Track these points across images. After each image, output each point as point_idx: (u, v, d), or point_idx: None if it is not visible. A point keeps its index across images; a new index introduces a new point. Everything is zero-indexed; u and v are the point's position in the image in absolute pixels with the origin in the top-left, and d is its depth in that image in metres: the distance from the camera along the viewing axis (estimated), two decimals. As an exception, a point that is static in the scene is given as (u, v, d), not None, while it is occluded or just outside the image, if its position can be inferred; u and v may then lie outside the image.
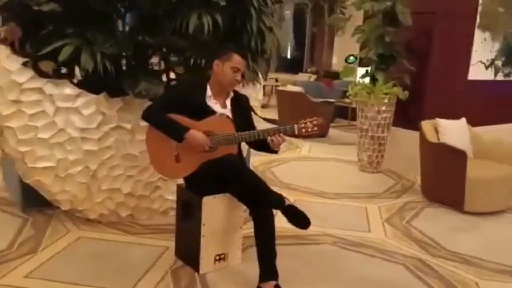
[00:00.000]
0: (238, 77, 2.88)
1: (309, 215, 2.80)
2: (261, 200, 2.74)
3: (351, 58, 11.67)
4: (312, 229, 3.36)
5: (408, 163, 5.48)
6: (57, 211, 3.76)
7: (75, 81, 3.46)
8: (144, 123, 3.51)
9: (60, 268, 2.95)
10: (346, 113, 8.60)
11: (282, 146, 2.88)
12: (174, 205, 3.84)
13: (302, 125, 2.74)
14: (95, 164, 3.42)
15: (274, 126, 2.83)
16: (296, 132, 2.75)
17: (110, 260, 3.10)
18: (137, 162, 3.57)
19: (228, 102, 2.97)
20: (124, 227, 3.63)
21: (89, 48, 3.00)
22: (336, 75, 11.65)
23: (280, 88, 7.43)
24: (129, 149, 3.51)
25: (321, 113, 7.40)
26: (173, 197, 3.83)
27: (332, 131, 7.97)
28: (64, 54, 2.90)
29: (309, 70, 11.94)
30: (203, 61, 3.83)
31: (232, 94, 2.99)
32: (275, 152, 2.86)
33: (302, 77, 11.42)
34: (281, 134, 2.71)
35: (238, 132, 2.84)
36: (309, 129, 2.75)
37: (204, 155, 2.82)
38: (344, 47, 12.15)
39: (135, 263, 3.06)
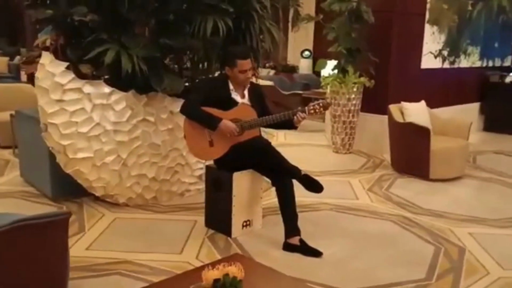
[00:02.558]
0: (249, 75, 3.46)
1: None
2: (284, 172, 3.36)
3: (306, 52, 12.49)
4: (310, 199, 4.10)
5: (375, 143, 6.27)
6: (84, 199, 4.19)
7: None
8: (165, 115, 4.07)
9: (112, 241, 3.44)
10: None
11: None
12: (191, 187, 4.43)
13: (311, 107, 3.40)
14: (126, 153, 3.90)
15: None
16: (307, 113, 3.40)
17: (151, 233, 3.62)
18: (160, 150, 4.09)
19: (246, 92, 3.56)
20: (150, 207, 4.13)
21: (126, 52, 3.49)
22: (292, 69, 12.40)
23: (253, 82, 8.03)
24: (153, 138, 4.02)
25: (290, 104, 8.14)
26: (189, 180, 4.40)
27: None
28: (108, 58, 3.37)
29: (267, 65, 12.58)
30: (207, 61, 4.41)
31: (248, 85, 3.58)
32: (296, 128, 3.49)
33: (261, 71, 12.06)
34: (303, 113, 3.34)
35: (259, 117, 3.45)
36: (317, 110, 3.41)
37: (233, 139, 3.39)
38: (298, 42, 12.93)
39: (174, 234, 3.59)
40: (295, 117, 3.36)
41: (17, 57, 13.18)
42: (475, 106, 8.13)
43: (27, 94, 6.56)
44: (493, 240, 3.65)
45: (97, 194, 4.01)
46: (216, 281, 1.55)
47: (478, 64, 7.99)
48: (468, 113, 7.51)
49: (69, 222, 3.66)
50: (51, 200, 4.18)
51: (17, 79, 11.19)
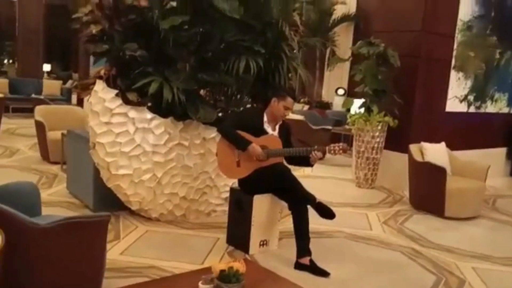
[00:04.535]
0: (287, 113, 3.92)
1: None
2: (300, 198, 3.74)
3: (340, 90, 12.91)
4: (326, 227, 4.43)
5: (397, 180, 6.54)
6: (121, 212, 4.66)
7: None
8: (198, 141, 4.53)
9: (143, 249, 3.87)
10: (339, 139, 9.68)
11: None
12: (217, 208, 4.83)
13: (331, 147, 3.79)
14: (161, 173, 4.37)
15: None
16: (327, 152, 3.79)
17: (178, 245, 4.03)
18: (191, 172, 4.53)
19: (277, 127, 3.99)
20: (179, 224, 4.56)
21: (168, 84, 4.00)
22: (326, 105, 12.81)
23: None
24: (186, 161, 4.48)
25: (319, 139, 8.52)
26: (215, 201, 4.81)
27: (328, 154, 8.99)
28: (153, 88, 3.89)
29: (302, 100, 13.05)
30: (239, 94, 4.90)
31: (280, 121, 4.01)
32: (312, 165, 3.88)
33: (295, 106, 12.52)
34: (319, 152, 3.73)
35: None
36: (336, 151, 3.79)
37: (258, 163, 3.82)
38: (334, 80, 13.39)
39: (197, 248, 3.99)
40: (311, 155, 3.74)
41: (69, 81, 14.21)
42: (501, 151, 8.27)
43: (77, 116, 7.26)
44: (494, 276, 3.87)
45: (132, 208, 4.48)
46: (222, 271, 1.93)
47: (505, 110, 8.17)
48: (494, 157, 7.67)
49: (107, 229, 4.17)
50: (92, 211, 4.67)
51: (68, 101, 12.11)
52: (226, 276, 1.92)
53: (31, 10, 12.91)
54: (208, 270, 2.12)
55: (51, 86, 12.86)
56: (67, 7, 18.64)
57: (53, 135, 6.52)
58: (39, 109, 7.00)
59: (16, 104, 11.53)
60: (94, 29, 3.93)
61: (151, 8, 4.03)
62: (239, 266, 1.98)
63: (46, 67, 15.30)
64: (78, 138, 4.92)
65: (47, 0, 14.12)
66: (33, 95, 10.98)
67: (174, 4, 4.27)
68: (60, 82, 13.59)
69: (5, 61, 18.55)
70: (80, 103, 12.14)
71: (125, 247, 3.89)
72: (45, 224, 2.41)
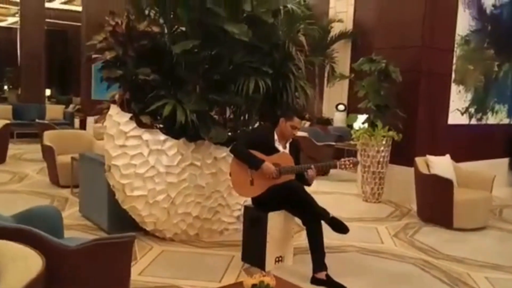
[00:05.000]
0: (295, 132, 4.02)
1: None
2: (314, 214, 3.81)
3: (340, 106, 13.06)
4: (337, 242, 4.49)
5: (404, 193, 6.61)
6: (136, 233, 4.69)
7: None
8: (210, 161, 4.61)
9: (160, 269, 3.92)
10: (342, 155, 9.77)
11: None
12: (229, 226, 4.90)
13: (342, 162, 3.89)
14: (174, 193, 4.44)
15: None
16: (338, 167, 3.89)
17: (194, 264, 4.09)
18: (204, 191, 4.61)
19: (287, 145, 4.10)
20: (193, 243, 4.62)
21: (181, 106, 4.10)
22: (327, 122, 12.94)
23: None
24: (198, 181, 4.56)
25: (324, 155, 8.61)
26: (228, 219, 4.87)
27: (332, 170, 9.10)
28: (167, 111, 3.99)
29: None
30: (247, 114, 5.00)
31: (290, 139, 4.11)
32: (309, 184, 3.97)
33: (297, 123, 12.63)
34: (311, 171, 3.83)
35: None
36: (347, 166, 3.89)
37: (271, 180, 3.90)
38: (334, 97, 13.54)
39: (213, 266, 4.04)
40: (306, 174, 3.85)
41: (71, 105, 14.35)
42: (503, 162, 8.37)
43: (85, 139, 7.36)
44: (508, 285, 3.94)
45: (147, 229, 4.54)
46: (254, 286, 2.00)
47: (506, 121, 8.30)
48: (497, 168, 7.72)
49: (132, 249, 4.23)
50: (107, 233, 4.73)
51: (71, 125, 12.23)
52: (258, 291, 2.00)
53: (33, 36, 13.09)
54: (238, 285, 2.19)
55: (53, 111, 12.99)
56: (66, 33, 19.02)
57: (63, 159, 6.59)
58: (47, 134, 7.09)
59: (21, 130, 11.63)
60: (108, 55, 4.05)
61: (162, 33, 4.16)
62: (270, 280, 2.05)
63: (47, 92, 15.44)
64: (91, 161, 5.01)
65: (48, 26, 14.33)
66: (36, 120, 11.08)
67: (183, 28, 4.40)
68: (63, 106, 13.73)
69: (5, 87, 18.73)
70: (83, 126, 12.27)
71: (143, 268, 3.94)
72: (75, 246, 2.48)
